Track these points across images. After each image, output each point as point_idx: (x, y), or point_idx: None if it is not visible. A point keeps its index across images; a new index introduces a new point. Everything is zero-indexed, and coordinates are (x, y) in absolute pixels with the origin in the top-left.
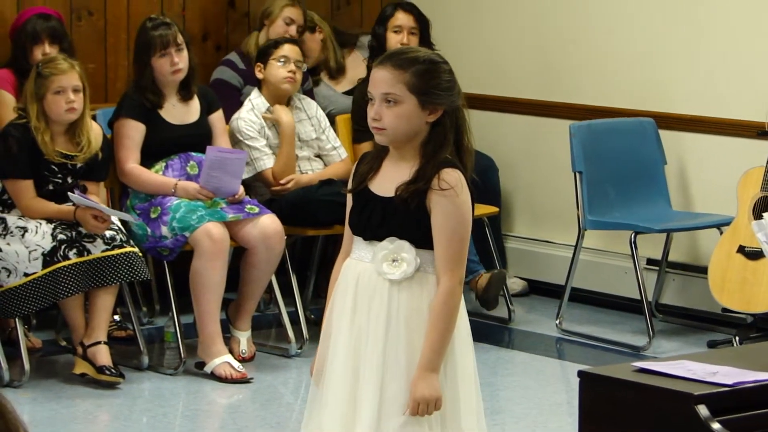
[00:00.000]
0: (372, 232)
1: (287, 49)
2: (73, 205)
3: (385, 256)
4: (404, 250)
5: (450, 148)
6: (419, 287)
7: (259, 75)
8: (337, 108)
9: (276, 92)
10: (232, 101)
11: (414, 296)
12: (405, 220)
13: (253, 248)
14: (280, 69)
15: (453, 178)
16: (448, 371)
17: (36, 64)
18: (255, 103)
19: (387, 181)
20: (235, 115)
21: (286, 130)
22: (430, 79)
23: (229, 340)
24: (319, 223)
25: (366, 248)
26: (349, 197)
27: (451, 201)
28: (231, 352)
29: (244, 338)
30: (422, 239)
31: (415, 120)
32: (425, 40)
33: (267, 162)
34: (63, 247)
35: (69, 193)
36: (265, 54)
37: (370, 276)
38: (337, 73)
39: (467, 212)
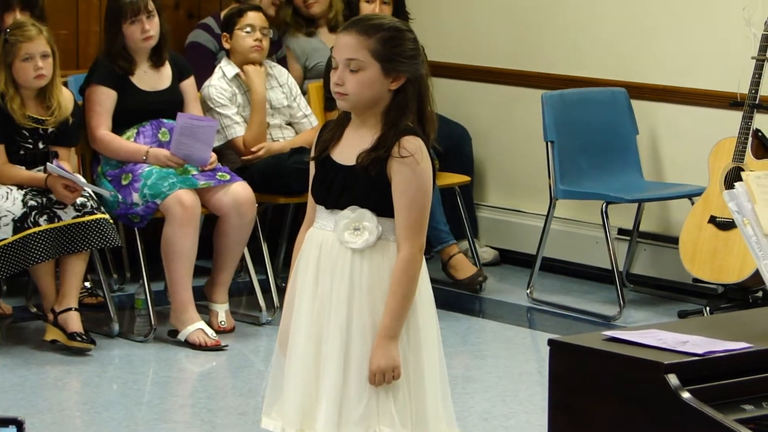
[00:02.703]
0: (334, 201)
1: (252, 17)
2: (45, 171)
3: (347, 225)
4: (366, 218)
5: (412, 116)
6: (381, 255)
7: (226, 45)
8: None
9: (244, 62)
10: (206, 65)
11: (376, 264)
12: (366, 188)
13: (224, 216)
14: (247, 38)
15: (413, 145)
16: (411, 338)
17: (3, 30)
18: (225, 70)
19: (348, 149)
20: (206, 83)
21: (258, 98)
22: (393, 46)
23: (207, 313)
24: (290, 191)
25: (328, 217)
26: (312, 165)
27: (411, 169)
28: (210, 325)
29: (222, 311)
30: (383, 207)
31: (378, 87)
32: (400, 9)
33: (238, 130)
34: (33, 213)
35: (47, 164)
36: (230, 23)
37: (332, 245)
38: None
39: (428, 180)
